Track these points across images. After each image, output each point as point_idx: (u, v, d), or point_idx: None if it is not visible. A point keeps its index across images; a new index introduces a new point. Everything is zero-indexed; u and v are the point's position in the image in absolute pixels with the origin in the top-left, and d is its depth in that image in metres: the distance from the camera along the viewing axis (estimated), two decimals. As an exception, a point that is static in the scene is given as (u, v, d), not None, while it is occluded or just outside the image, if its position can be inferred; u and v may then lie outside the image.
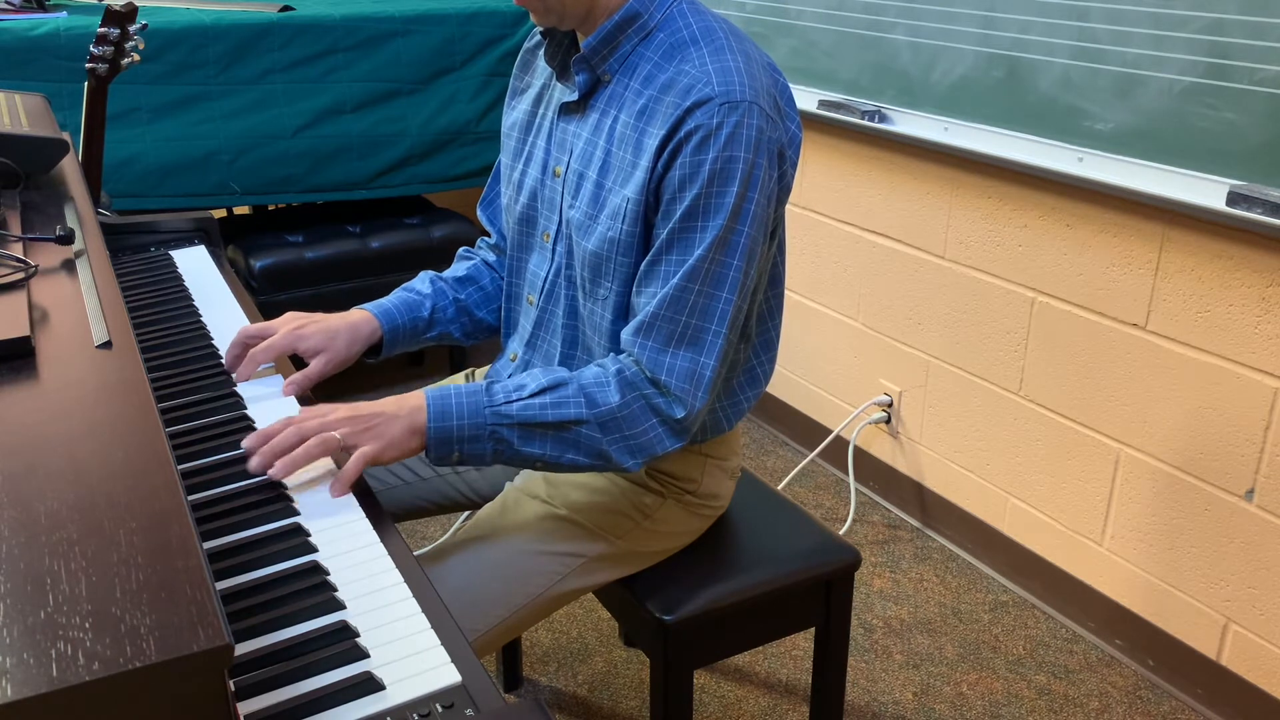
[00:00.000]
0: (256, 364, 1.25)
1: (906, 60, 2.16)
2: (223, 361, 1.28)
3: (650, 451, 1.16)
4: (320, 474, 1.07)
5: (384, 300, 1.39)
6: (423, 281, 1.44)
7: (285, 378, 1.26)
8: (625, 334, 1.17)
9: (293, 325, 1.30)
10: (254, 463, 1.04)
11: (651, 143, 1.14)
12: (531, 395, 1.13)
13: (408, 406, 1.12)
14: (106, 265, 1.15)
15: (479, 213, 1.50)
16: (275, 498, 1.01)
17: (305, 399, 1.23)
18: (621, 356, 1.17)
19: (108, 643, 0.58)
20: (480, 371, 1.53)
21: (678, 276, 1.13)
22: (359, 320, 1.34)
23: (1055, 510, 2.13)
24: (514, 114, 1.38)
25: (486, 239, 1.51)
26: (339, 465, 1.08)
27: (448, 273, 1.47)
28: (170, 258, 1.65)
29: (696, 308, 1.14)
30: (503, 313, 1.42)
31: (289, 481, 1.04)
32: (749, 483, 1.57)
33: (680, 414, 1.15)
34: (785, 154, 1.18)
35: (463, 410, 1.12)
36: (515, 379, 1.16)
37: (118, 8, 1.87)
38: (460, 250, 1.52)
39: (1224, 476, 1.80)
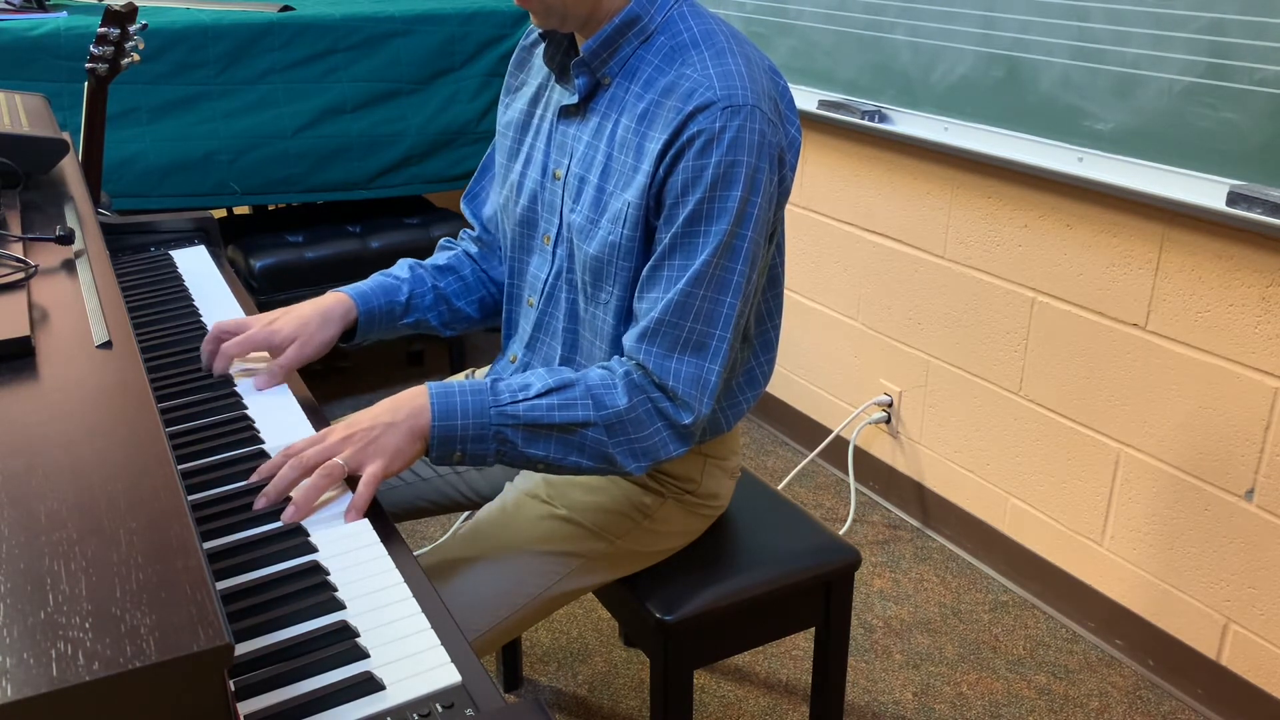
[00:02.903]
0: (229, 359, 1.24)
1: (906, 60, 2.15)
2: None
3: (654, 456, 1.15)
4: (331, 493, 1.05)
5: (360, 284, 1.37)
6: (401, 268, 1.42)
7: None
8: (628, 340, 1.16)
9: (265, 321, 1.28)
10: (257, 503, 0.99)
11: (653, 147, 1.13)
12: (538, 395, 1.12)
13: (407, 409, 1.09)
14: (106, 265, 1.15)
15: (462, 205, 1.49)
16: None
17: (307, 403, 1.23)
18: (625, 360, 1.17)
19: (108, 643, 0.58)
20: (480, 372, 1.53)
21: (682, 282, 1.12)
22: (331, 304, 1.32)
23: (1055, 510, 2.12)
24: (510, 112, 1.37)
25: (469, 231, 1.50)
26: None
27: (428, 261, 1.45)
28: (170, 258, 1.65)
29: (701, 313, 1.13)
30: (504, 314, 1.41)
31: (296, 493, 1.01)
32: (749, 483, 1.57)
33: (687, 420, 1.14)
34: (785, 158, 1.17)
35: (467, 409, 1.10)
36: (519, 378, 1.14)
37: (118, 8, 1.87)
38: (441, 240, 1.50)
39: (1224, 476, 1.80)
